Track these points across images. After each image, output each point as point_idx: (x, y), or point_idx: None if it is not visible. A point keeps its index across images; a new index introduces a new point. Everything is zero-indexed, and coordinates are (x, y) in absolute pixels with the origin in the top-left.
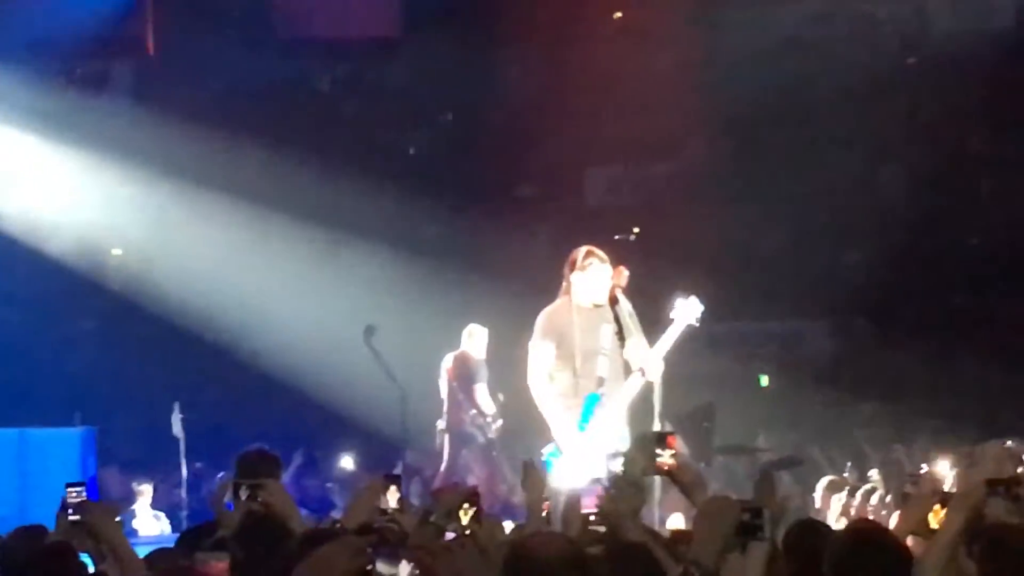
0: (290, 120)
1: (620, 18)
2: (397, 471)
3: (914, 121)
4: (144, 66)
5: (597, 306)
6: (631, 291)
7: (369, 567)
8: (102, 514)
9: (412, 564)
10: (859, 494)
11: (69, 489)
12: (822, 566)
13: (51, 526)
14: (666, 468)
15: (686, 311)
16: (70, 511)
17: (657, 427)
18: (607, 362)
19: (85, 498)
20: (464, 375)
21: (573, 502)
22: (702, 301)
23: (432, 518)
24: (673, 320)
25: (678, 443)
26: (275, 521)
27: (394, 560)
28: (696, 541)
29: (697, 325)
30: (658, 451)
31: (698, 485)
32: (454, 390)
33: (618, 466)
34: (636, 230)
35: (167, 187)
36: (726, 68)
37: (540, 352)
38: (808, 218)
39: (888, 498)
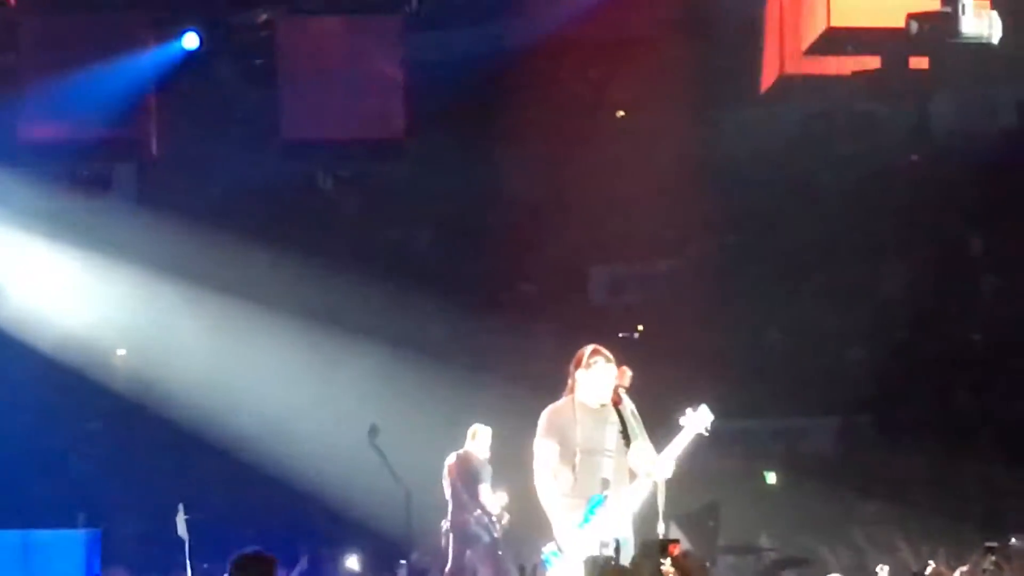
0: (294, 220)
1: (623, 117)
2: (403, 573)
3: (916, 219)
4: (148, 168)
5: (602, 406)
6: (634, 390)
7: None
8: None
9: None
10: None
11: None
12: None
13: None
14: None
15: (697, 420)
16: None
17: (662, 528)
18: (612, 464)
19: None
20: (468, 474)
21: None
22: (708, 403)
23: None
24: (683, 428)
25: (681, 547)
26: None
27: None
28: None
29: (707, 435)
30: (662, 560)
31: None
32: (458, 490)
33: (609, 552)
34: (640, 328)
35: (171, 288)
36: (729, 167)
37: (544, 449)
38: (811, 316)
39: None
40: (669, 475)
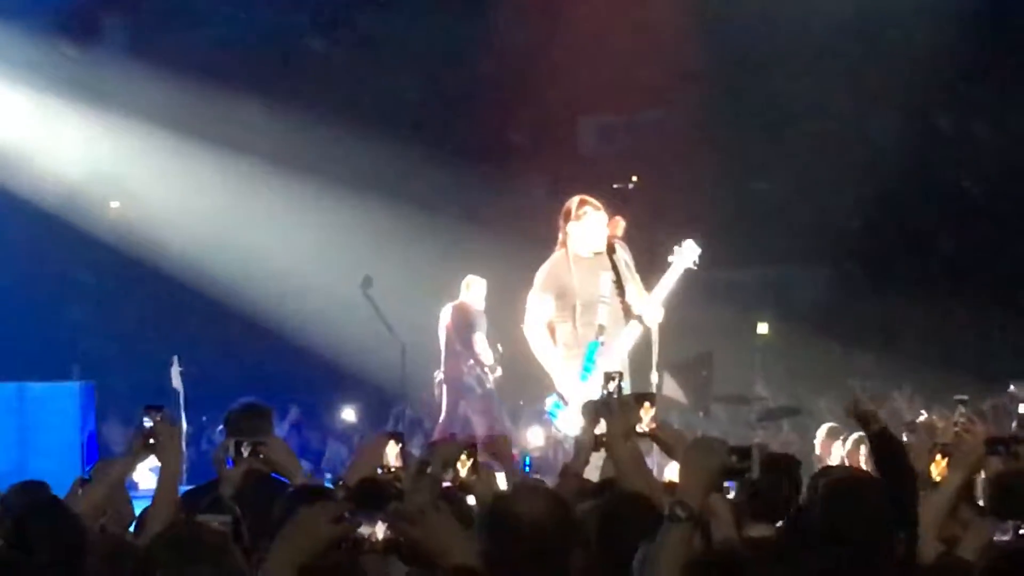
0: (285, 71)
1: None
2: (397, 425)
3: (907, 64)
4: (137, 18)
5: (596, 254)
6: (628, 240)
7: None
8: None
9: (388, 528)
10: (850, 441)
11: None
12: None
13: (51, 480)
14: (647, 431)
15: (684, 255)
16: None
17: (655, 377)
18: (607, 310)
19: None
20: (462, 326)
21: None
22: (707, 256)
23: (429, 470)
24: (671, 264)
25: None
26: (276, 479)
27: (372, 523)
28: (682, 481)
29: (695, 268)
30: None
31: (679, 443)
32: (452, 341)
33: (613, 388)
34: (635, 178)
35: (164, 140)
36: (718, 14)
37: (540, 304)
38: (802, 164)
39: None
40: (661, 316)
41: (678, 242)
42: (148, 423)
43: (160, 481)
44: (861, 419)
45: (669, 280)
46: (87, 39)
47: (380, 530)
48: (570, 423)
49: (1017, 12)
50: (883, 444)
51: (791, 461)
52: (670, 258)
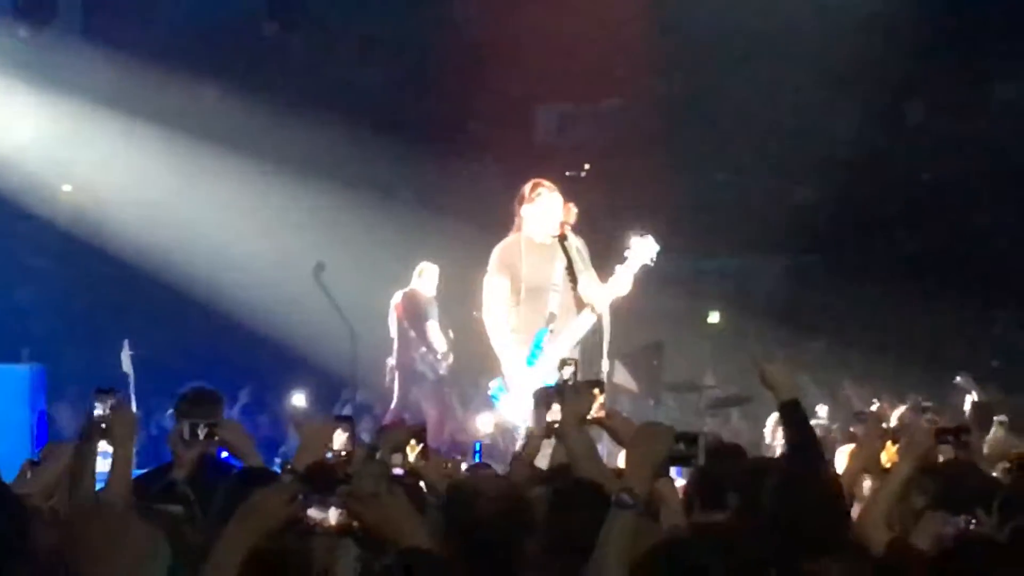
0: (240, 56)
1: None
2: (346, 410)
3: (864, 58)
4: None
5: (551, 238)
6: (581, 228)
7: (301, 514)
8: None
9: (341, 511)
10: None
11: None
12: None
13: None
14: (596, 418)
15: (642, 250)
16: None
17: (606, 365)
18: (558, 298)
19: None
20: (414, 313)
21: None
22: (655, 239)
23: (378, 455)
24: (627, 258)
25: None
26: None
27: (324, 506)
28: (628, 467)
29: (652, 265)
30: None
31: (628, 430)
32: (404, 328)
33: (568, 374)
34: (587, 166)
35: (117, 124)
36: (680, 5)
37: (493, 287)
38: (759, 154)
39: (832, 435)
40: (608, 303)
41: (637, 234)
42: (99, 410)
43: (113, 466)
44: (770, 387)
45: (626, 273)
46: (40, 20)
47: (333, 514)
48: (511, 408)
49: (976, 3)
50: (789, 415)
51: (739, 450)
52: (627, 252)
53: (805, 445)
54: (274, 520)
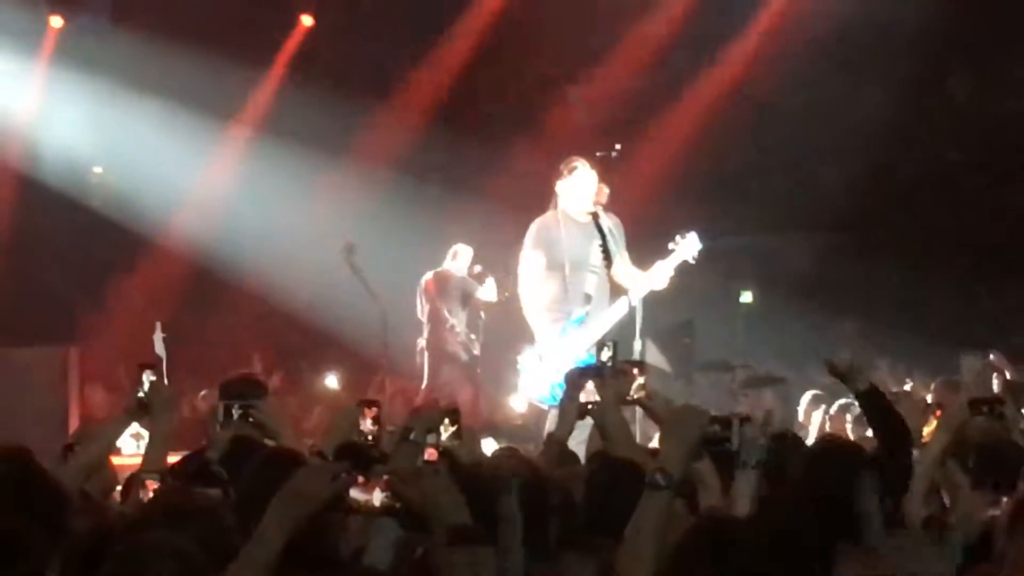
0: (273, 40)
1: None
2: (380, 392)
3: (893, 37)
4: None
5: (588, 217)
6: (611, 209)
7: (344, 495)
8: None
9: (385, 491)
10: (833, 409)
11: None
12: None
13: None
14: (637, 397)
15: (685, 247)
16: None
17: (638, 345)
18: (595, 280)
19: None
20: (446, 292)
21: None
22: (684, 221)
23: (412, 436)
24: (672, 252)
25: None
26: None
27: (367, 486)
28: (663, 449)
29: (694, 263)
30: (632, 381)
31: (667, 410)
32: (436, 308)
33: (607, 356)
34: (618, 147)
35: (147, 106)
36: None
37: (530, 262)
38: (789, 132)
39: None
40: (645, 292)
41: (665, 218)
42: (146, 381)
43: (151, 442)
44: (843, 378)
45: (666, 267)
46: (72, 7)
47: (378, 495)
48: (539, 380)
49: None
50: (872, 403)
51: (797, 440)
52: (671, 245)
53: (894, 431)
54: (317, 501)
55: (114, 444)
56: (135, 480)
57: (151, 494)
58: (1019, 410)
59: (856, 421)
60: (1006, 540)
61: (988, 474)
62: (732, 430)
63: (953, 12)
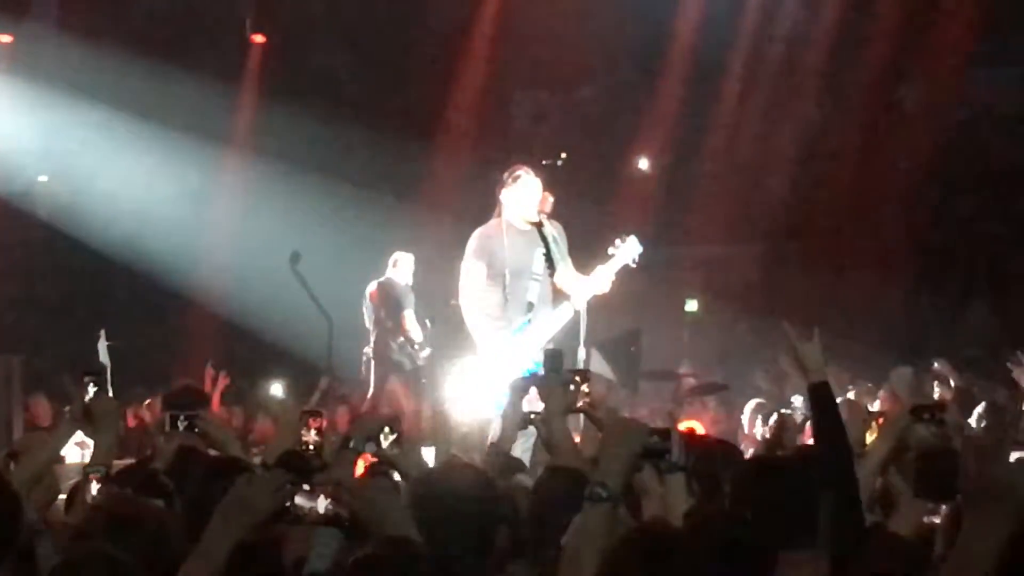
0: (216, 47)
1: None
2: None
3: (837, 43)
4: None
5: (530, 226)
6: (556, 218)
7: (288, 503)
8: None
9: (328, 500)
10: (773, 418)
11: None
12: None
13: None
14: (582, 405)
15: (626, 251)
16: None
17: (582, 354)
18: (538, 287)
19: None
20: (390, 301)
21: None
22: (629, 229)
23: (351, 444)
24: (612, 256)
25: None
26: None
27: (312, 495)
28: (602, 462)
29: (634, 266)
30: (578, 390)
31: (612, 418)
32: (380, 317)
33: (553, 364)
34: (563, 155)
35: (92, 114)
36: None
37: (472, 270)
38: (735, 140)
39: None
40: (587, 298)
41: (610, 226)
42: (91, 389)
43: (95, 451)
44: (800, 367)
45: (607, 271)
46: (16, 13)
47: (322, 503)
48: (481, 390)
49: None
50: (821, 398)
51: (728, 447)
52: (611, 250)
53: (833, 429)
54: (262, 511)
55: (59, 452)
56: (79, 489)
57: (94, 493)
58: (966, 417)
59: (797, 430)
60: (945, 547)
61: (928, 481)
62: (671, 441)
63: (901, 20)
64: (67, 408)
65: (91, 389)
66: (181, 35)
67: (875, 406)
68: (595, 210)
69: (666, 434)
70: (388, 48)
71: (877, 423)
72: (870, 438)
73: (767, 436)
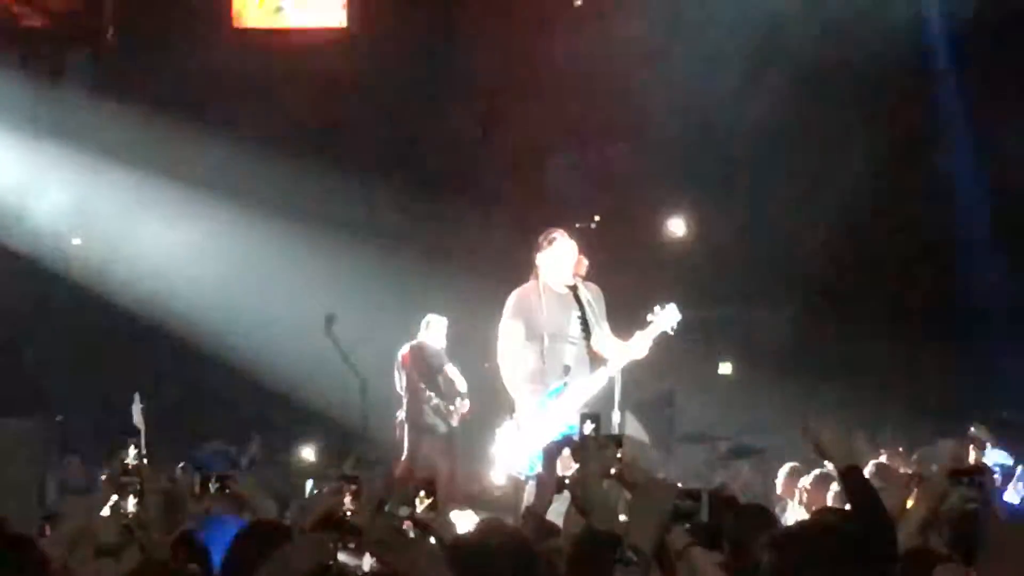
0: (249, 110)
1: (580, 6)
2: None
3: (869, 104)
4: (102, 56)
5: (567, 289)
6: (591, 280)
7: (331, 562)
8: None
9: (373, 558)
10: (810, 479)
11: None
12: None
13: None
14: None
15: (664, 318)
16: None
17: (617, 417)
18: (575, 351)
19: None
20: (423, 364)
21: (548, 464)
22: (665, 293)
23: (387, 507)
24: (650, 323)
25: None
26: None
27: (357, 553)
28: (632, 525)
29: (672, 333)
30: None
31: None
32: (414, 380)
33: (590, 429)
34: (597, 218)
35: (126, 176)
36: (682, 53)
37: (509, 332)
38: (768, 202)
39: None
40: (624, 363)
41: (646, 289)
42: (129, 458)
43: (136, 519)
44: (823, 454)
45: (645, 338)
46: (51, 75)
47: (367, 561)
48: (519, 452)
49: (981, 51)
50: (852, 482)
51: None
52: (649, 316)
53: (870, 510)
54: (306, 571)
55: (97, 515)
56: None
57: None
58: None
59: (839, 493)
60: None
61: (966, 544)
62: (701, 503)
63: (934, 80)
64: (104, 472)
65: (130, 451)
66: (212, 96)
67: (908, 469)
68: (628, 273)
69: (697, 495)
70: (421, 107)
71: (917, 485)
72: (909, 502)
73: (805, 497)
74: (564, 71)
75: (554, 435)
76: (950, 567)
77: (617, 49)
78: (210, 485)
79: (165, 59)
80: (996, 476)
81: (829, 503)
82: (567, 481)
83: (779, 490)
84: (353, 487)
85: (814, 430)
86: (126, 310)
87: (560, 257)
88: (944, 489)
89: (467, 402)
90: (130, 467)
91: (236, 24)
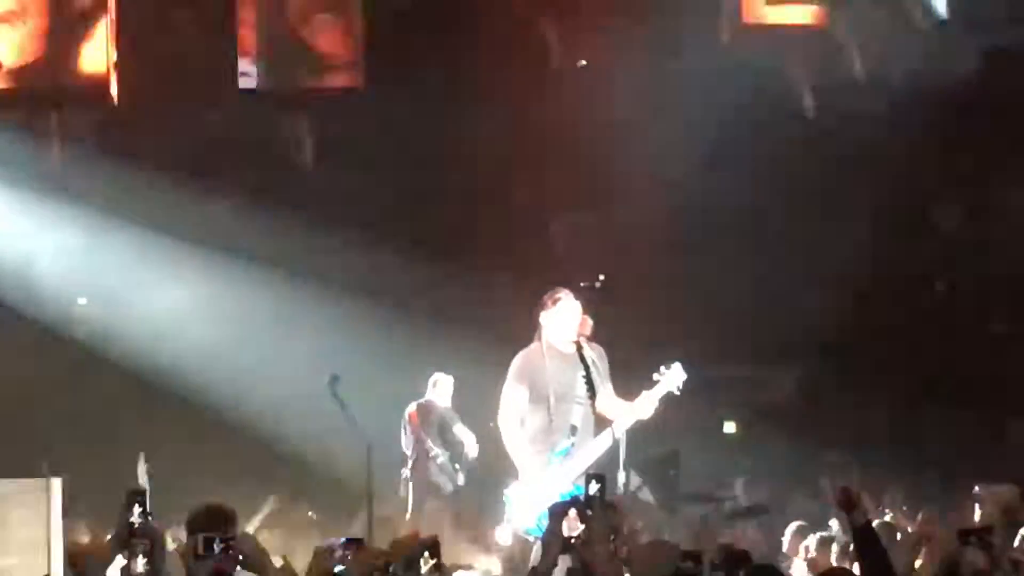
0: (253, 170)
1: (585, 66)
2: (357, 531)
3: (876, 165)
4: (107, 116)
5: (572, 350)
6: (595, 340)
7: None
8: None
9: None
10: (814, 541)
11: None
12: None
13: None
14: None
15: (670, 378)
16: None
17: (622, 477)
18: (581, 411)
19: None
20: (430, 423)
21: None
22: (669, 352)
23: (391, 568)
24: (656, 383)
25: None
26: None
27: None
28: None
29: (678, 394)
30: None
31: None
32: (421, 439)
33: (595, 490)
34: (602, 277)
35: (131, 237)
36: (688, 118)
37: (513, 394)
38: (772, 263)
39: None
40: (629, 424)
41: (649, 349)
42: (135, 517)
43: None
44: (847, 507)
45: (650, 398)
46: (56, 136)
47: None
48: (525, 515)
49: (980, 118)
50: (866, 539)
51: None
52: (655, 376)
53: (880, 568)
54: None
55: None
56: None
57: None
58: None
59: (841, 553)
60: None
61: None
62: (703, 564)
63: (937, 140)
64: (111, 534)
65: (136, 511)
66: (216, 157)
67: (913, 528)
68: (632, 332)
69: (697, 557)
70: (424, 168)
71: (925, 544)
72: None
73: (809, 556)
74: (568, 133)
75: (560, 495)
76: None
77: (622, 112)
78: (214, 545)
79: (171, 119)
80: None
81: (833, 563)
82: (572, 541)
83: (785, 548)
84: (356, 550)
85: (834, 487)
86: (131, 369)
87: (564, 317)
88: (953, 549)
89: (474, 452)
90: (136, 527)
91: (243, 85)
